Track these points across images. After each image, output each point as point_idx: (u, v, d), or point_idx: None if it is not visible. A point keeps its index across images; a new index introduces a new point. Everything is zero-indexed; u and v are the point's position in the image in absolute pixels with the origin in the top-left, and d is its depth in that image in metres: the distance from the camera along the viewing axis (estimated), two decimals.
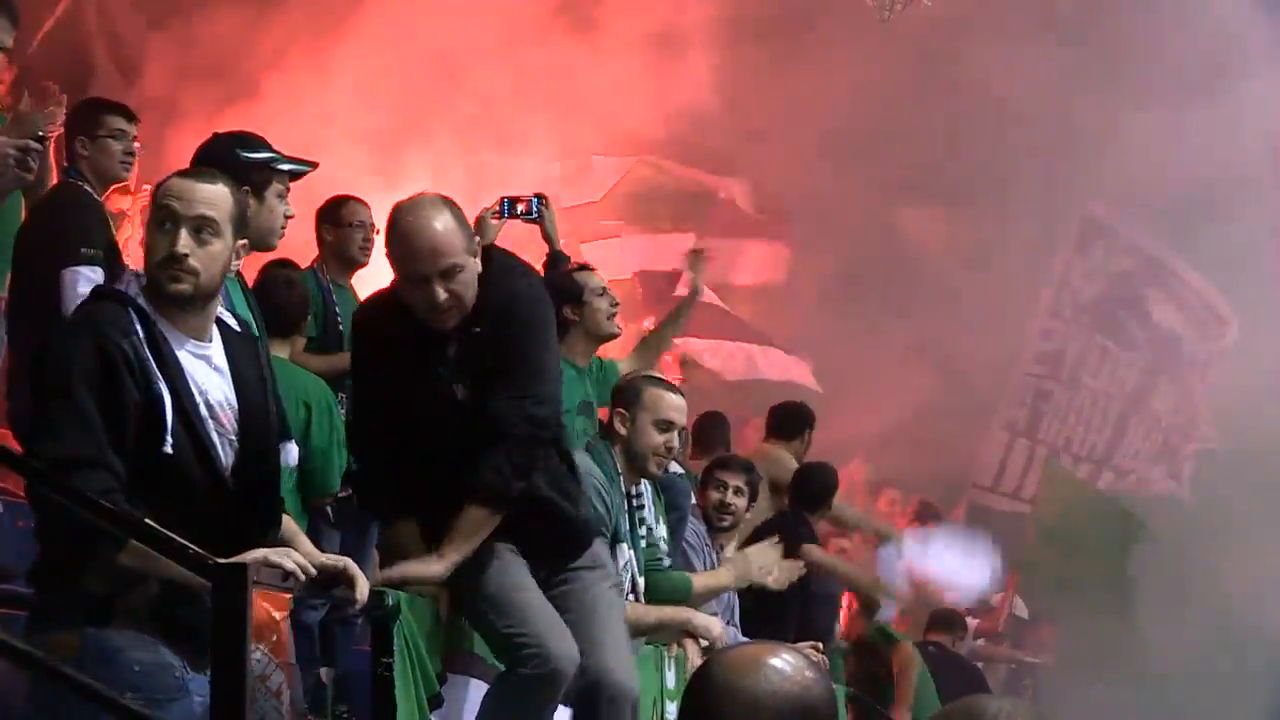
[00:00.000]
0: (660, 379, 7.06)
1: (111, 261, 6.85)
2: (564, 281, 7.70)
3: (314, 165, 6.30)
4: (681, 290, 9.66)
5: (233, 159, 5.66)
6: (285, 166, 5.98)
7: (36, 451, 4.19)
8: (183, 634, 4.31)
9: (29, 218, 7.19)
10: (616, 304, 7.83)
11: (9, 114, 7.87)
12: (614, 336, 7.90)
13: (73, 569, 4.23)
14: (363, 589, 4.59)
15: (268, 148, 5.96)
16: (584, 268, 8.12)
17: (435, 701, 5.29)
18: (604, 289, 7.77)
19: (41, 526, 4.42)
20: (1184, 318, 15.94)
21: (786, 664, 2.67)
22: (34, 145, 5.92)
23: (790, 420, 10.38)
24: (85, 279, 6.66)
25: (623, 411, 6.69)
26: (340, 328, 7.58)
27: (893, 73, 15.17)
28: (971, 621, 13.29)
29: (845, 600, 11.17)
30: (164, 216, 4.39)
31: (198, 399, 4.33)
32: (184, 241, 4.35)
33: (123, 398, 4.20)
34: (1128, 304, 15.86)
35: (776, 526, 9.03)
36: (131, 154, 7.18)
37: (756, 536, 8.59)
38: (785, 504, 9.83)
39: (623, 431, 6.69)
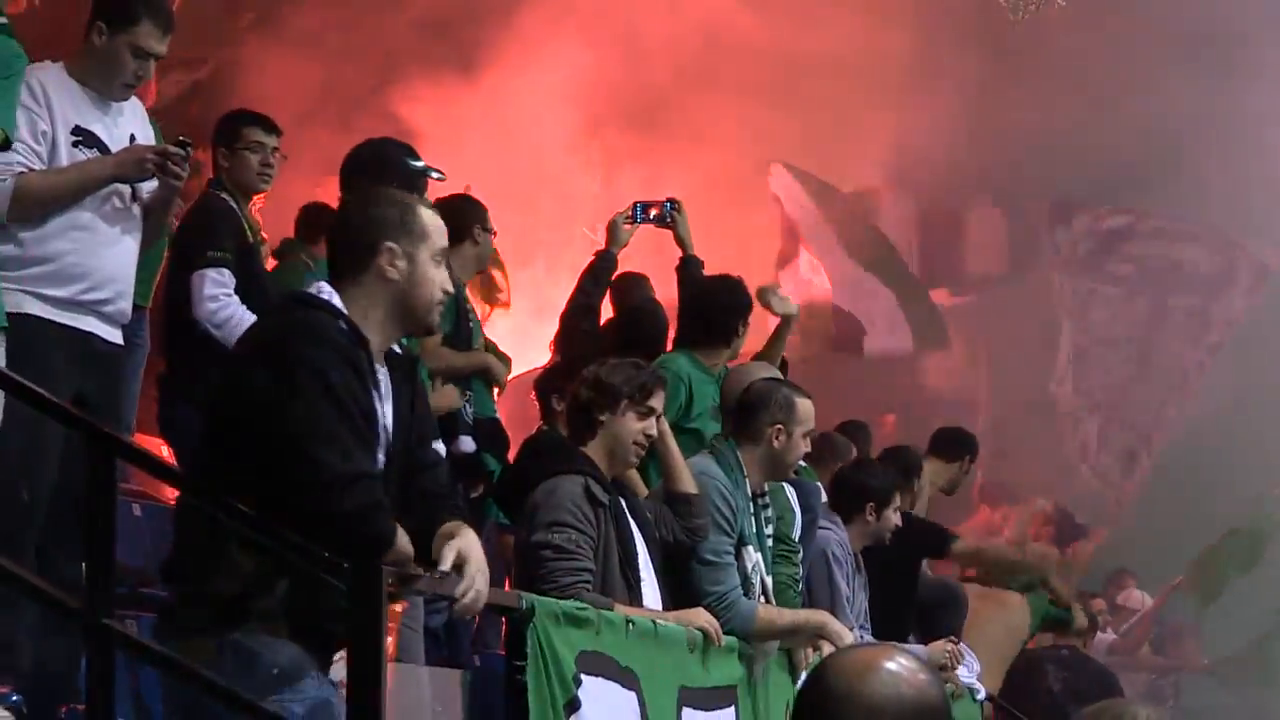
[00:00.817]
0: (798, 387, 7.15)
1: (249, 264, 6.95)
2: (728, 288, 7.83)
3: (443, 175, 6.40)
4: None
5: (402, 165, 5.78)
6: (436, 175, 6.09)
7: (319, 461, 4.21)
8: (316, 635, 4.38)
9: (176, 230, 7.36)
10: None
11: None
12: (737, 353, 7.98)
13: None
14: (465, 588, 4.43)
15: (419, 156, 6.08)
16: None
17: (571, 706, 5.34)
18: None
19: (181, 531, 4.52)
20: (1167, 243, 16.29)
21: (902, 667, 2.67)
22: (174, 150, 5.96)
23: (954, 443, 10.32)
24: (212, 280, 6.79)
25: (780, 425, 6.83)
26: (470, 324, 7.64)
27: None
28: (1105, 636, 13.25)
29: None
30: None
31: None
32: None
33: (366, 406, 4.31)
34: (1111, 254, 16.36)
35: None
36: (270, 165, 7.30)
37: None
38: None
39: (777, 444, 6.84)
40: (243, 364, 4.47)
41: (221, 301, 6.75)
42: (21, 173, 5.76)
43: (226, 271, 6.83)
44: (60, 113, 5.92)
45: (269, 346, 4.38)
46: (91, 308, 5.91)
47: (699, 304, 7.81)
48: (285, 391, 4.23)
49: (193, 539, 4.45)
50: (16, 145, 5.72)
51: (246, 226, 7.10)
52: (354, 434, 4.24)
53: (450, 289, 4.51)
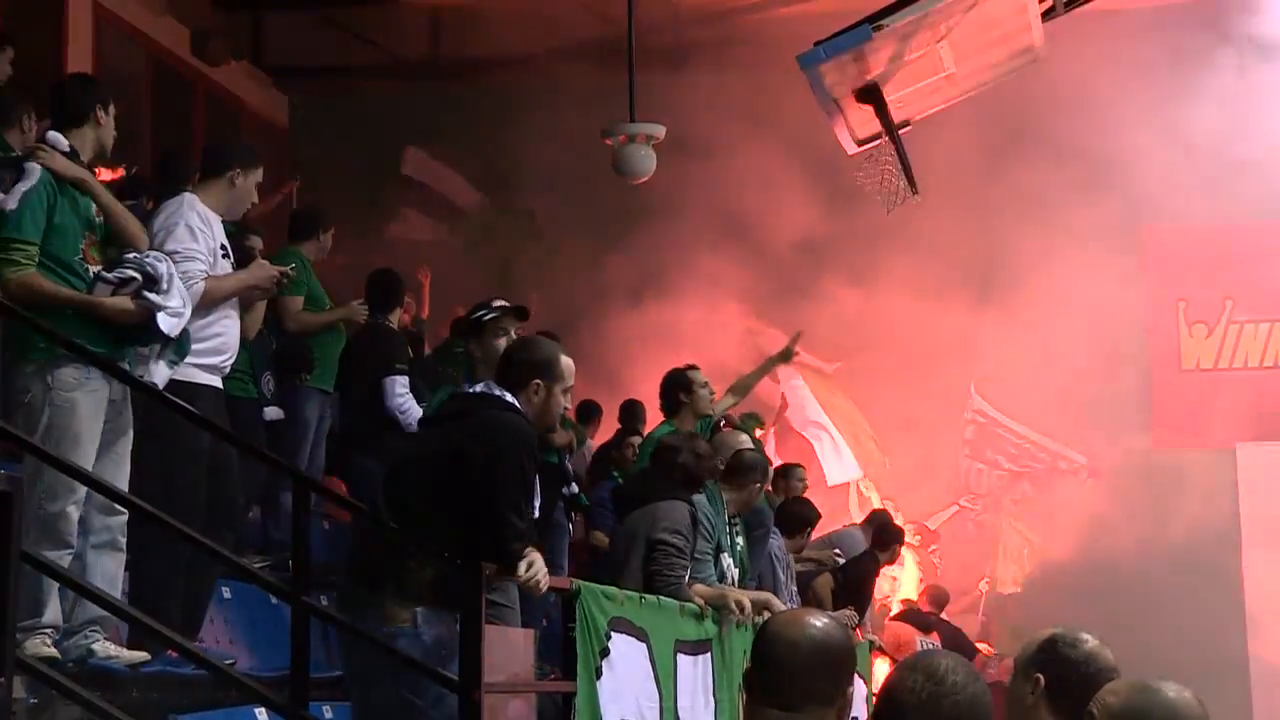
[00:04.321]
0: (767, 457, 9.50)
1: (411, 374, 8.99)
2: (678, 377, 9.61)
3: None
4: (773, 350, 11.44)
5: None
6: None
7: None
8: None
9: (349, 344, 9.27)
10: (714, 393, 9.74)
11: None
12: (711, 414, 9.75)
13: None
14: (530, 576, 5.63)
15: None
16: (693, 368, 9.77)
17: (604, 652, 6.39)
18: (705, 382, 9.61)
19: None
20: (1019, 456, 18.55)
21: (823, 621, 3.42)
22: (288, 272, 7.35)
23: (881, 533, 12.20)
24: (400, 384, 8.82)
25: (759, 484, 8.94)
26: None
27: None
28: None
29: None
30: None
31: None
32: None
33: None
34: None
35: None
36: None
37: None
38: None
39: (754, 494, 8.90)
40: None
41: (408, 400, 8.72)
42: (206, 276, 6.86)
43: (407, 379, 8.82)
44: (216, 233, 7.06)
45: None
46: (222, 370, 7.08)
47: (662, 388, 9.67)
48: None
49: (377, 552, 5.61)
50: (203, 257, 6.81)
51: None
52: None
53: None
